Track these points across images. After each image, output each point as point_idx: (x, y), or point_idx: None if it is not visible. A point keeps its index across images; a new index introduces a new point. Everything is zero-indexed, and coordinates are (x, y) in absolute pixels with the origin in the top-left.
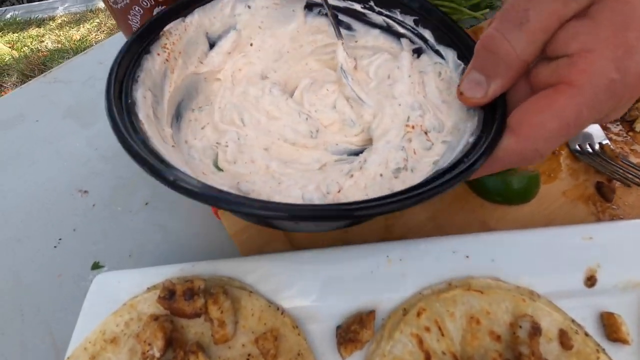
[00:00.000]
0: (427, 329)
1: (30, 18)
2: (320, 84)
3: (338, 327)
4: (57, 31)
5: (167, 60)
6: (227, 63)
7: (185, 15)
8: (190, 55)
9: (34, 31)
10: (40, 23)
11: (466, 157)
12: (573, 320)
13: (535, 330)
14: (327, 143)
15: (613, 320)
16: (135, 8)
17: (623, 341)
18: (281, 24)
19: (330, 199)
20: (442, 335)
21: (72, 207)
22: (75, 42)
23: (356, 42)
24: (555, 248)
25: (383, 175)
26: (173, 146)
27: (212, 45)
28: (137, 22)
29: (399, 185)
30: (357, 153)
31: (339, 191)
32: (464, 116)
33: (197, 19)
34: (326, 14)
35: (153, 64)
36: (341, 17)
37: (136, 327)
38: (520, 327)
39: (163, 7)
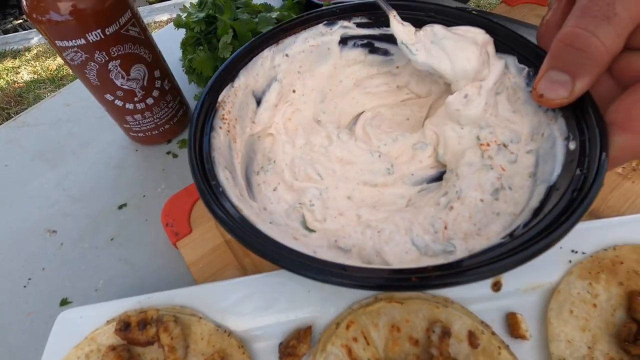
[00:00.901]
0: (355, 340)
1: (5, 50)
2: (380, 118)
3: (280, 344)
4: (33, 62)
5: (228, 131)
6: (276, 116)
7: (232, 80)
8: (244, 119)
9: (9, 63)
10: (15, 54)
11: (582, 168)
12: (482, 322)
13: (445, 334)
14: (404, 176)
15: (515, 319)
16: (90, 64)
17: (523, 337)
18: (318, 64)
19: (440, 237)
20: (368, 344)
21: (42, 247)
22: (52, 72)
23: (397, 67)
24: None
25: (484, 200)
26: (271, 223)
27: (258, 102)
28: (95, 76)
29: (504, 207)
30: (435, 179)
31: (445, 227)
32: (542, 119)
33: (243, 81)
34: (361, 45)
35: (219, 139)
36: (377, 44)
37: (96, 358)
38: (434, 331)
39: (117, 61)
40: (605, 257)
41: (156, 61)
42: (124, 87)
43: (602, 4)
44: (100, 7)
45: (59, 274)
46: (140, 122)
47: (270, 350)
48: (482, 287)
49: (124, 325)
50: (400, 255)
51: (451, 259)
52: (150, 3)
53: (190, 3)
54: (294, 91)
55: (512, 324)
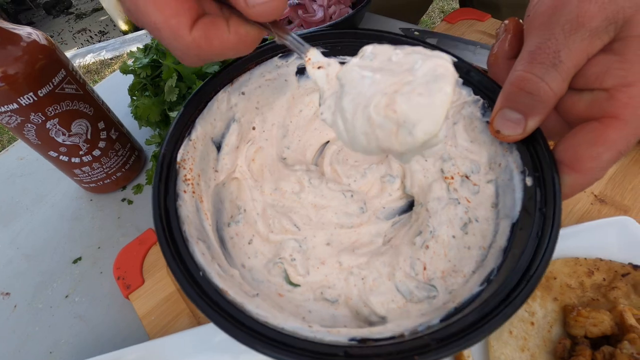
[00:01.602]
0: None
1: None
2: (346, 151)
3: None
4: None
5: (193, 192)
6: (239, 158)
7: (189, 133)
8: (206, 171)
9: None
10: None
11: (541, 208)
12: None
13: None
14: (376, 210)
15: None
16: (27, 125)
17: None
18: (276, 97)
19: (421, 279)
20: None
21: None
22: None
23: None
24: None
25: (455, 236)
26: (257, 294)
27: (218, 148)
28: (34, 136)
29: (473, 240)
30: (405, 210)
31: (424, 268)
32: (498, 150)
33: (201, 131)
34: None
35: (186, 208)
36: None
37: None
38: None
39: (55, 120)
40: None
41: (99, 113)
42: (66, 143)
43: (548, 51)
44: (31, 71)
45: (12, 340)
46: (90, 173)
47: None
48: None
49: None
50: (387, 304)
51: (435, 303)
52: (125, 33)
53: (137, 48)
54: (253, 128)
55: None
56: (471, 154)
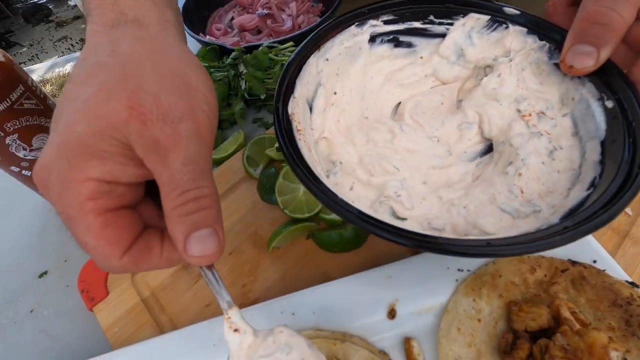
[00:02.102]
0: None
1: None
2: (420, 107)
3: None
4: None
5: (304, 142)
6: (327, 119)
7: (292, 91)
8: (307, 127)
9: None
10: None
11: (628, 120)
12: (380, 351)
13: None
14: (460, 155)
15: (408, 345)
16: None
17: None
18: (352, 64)
19: (520, 200)
20: None
21: None
22: None
23: (421, 57)
24: (362, 291)
25: (545, 162)
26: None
27: (310, 109)
28: None
29: (562, 165)
30: (484, 153)
31: (521, 192)
32: (569, 86)
33: (299, 91)
34: (387, 41)
35: (305, 151)
36: (402, 38)
37: None
38: None
39: (15, 135)
40: (486, 272)
41: None
42: (27, 157)
43: None
44: None
45: None
46: None
47: None
48: (377, 317)
49: None
50: (497, 223)
51: (542, 216)
52: None
53: None
54: (335, 93)
55: (406, 349)
56: (542, 94)
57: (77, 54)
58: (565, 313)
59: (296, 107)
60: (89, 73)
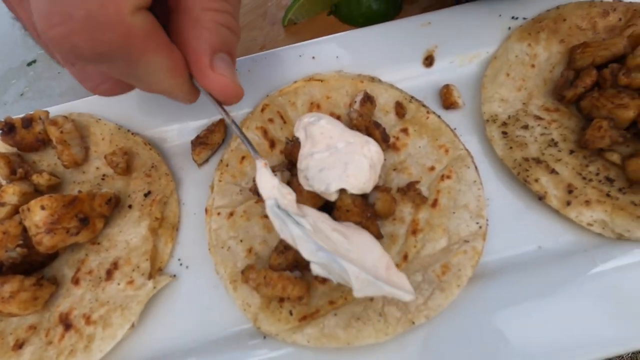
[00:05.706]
0: (271, 121)
1: None
2: None
3: (192, 141)
4: None
5: None
6: None
7: None
8: None
9: None
10: None
11: None
12: (412, 97)
13: (367, 99)
14: None
15: (448, 90)
16: None
17: (455, 105)
18: None
19: None
20: (285, 123)
21: None
22: None
23: None
24: (396, 38)
25: None
26: None
27: None
28: None
29: None
30: None
31: None
32: None
33: None
34: None
35: None
36: None
37: None
38: (355, 101)
39: None
40: (547, 17)
41: None
42: None
43: None
44: None
45: None
46: None
47: (181, 147)
48: (413, 65)
49: (8, 128)
50: None
51: None
52: None
53: None
54: None
55: (444, 93)
56: None
57: None
58: None
59: None
60: None
